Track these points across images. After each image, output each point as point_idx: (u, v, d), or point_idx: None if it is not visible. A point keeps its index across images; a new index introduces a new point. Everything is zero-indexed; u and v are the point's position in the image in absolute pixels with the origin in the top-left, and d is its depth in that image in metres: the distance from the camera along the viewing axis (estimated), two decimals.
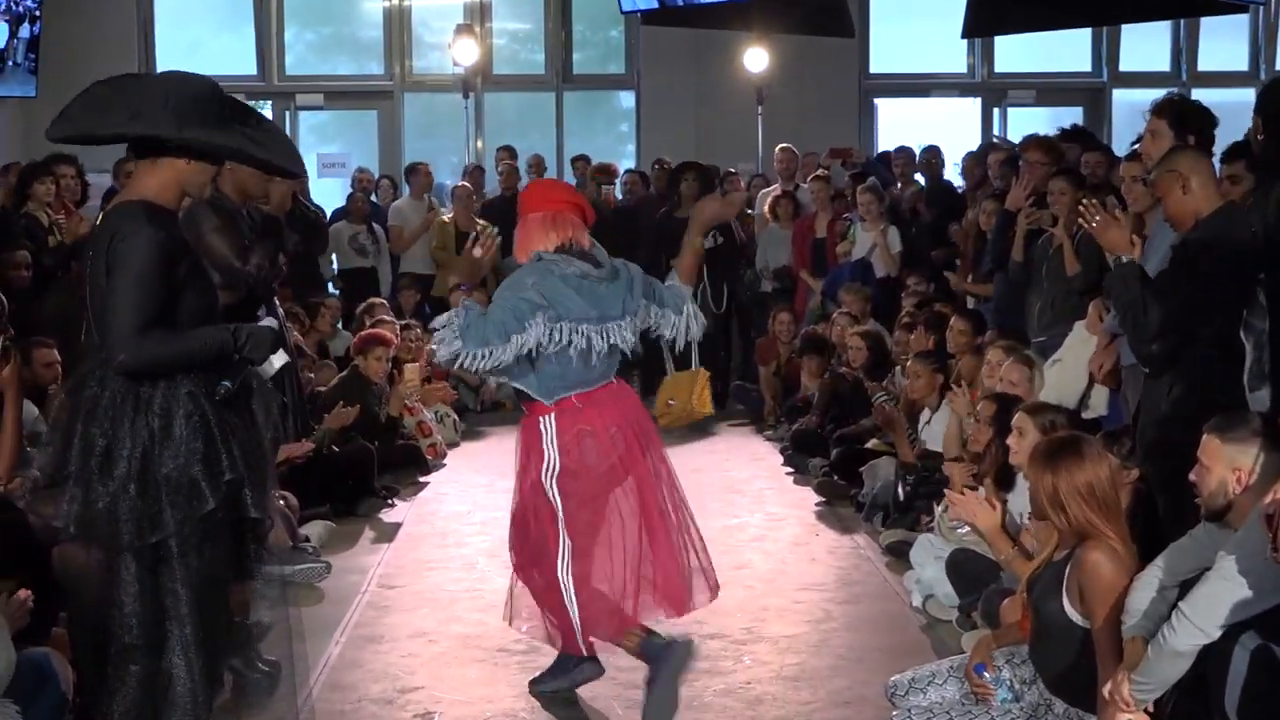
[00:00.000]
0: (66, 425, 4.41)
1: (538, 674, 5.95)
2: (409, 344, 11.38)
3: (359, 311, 11.99)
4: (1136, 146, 7.36)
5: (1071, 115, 15.91)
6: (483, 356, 5.39)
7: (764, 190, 14.21)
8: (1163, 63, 17.59)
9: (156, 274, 4.26)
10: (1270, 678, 4.23)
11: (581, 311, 5.49)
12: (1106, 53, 17.46)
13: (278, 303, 6.84)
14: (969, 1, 12.99)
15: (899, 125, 16.82)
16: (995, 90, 17.45)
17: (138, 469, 4.26)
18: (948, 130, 15.72)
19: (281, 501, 7.79)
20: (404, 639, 6.72)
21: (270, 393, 4.65)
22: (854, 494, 9.09)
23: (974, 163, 12.19)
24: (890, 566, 7.77)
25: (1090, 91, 17.62)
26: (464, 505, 9.53)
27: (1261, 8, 15.70)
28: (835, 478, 9.44)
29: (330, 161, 16.54)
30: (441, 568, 7.91)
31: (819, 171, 13.69)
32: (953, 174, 13.41)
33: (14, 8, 14.80)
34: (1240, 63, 17.47)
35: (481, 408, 12.59)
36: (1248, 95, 7.41)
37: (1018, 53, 17.10)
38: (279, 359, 4.74)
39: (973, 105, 17.59)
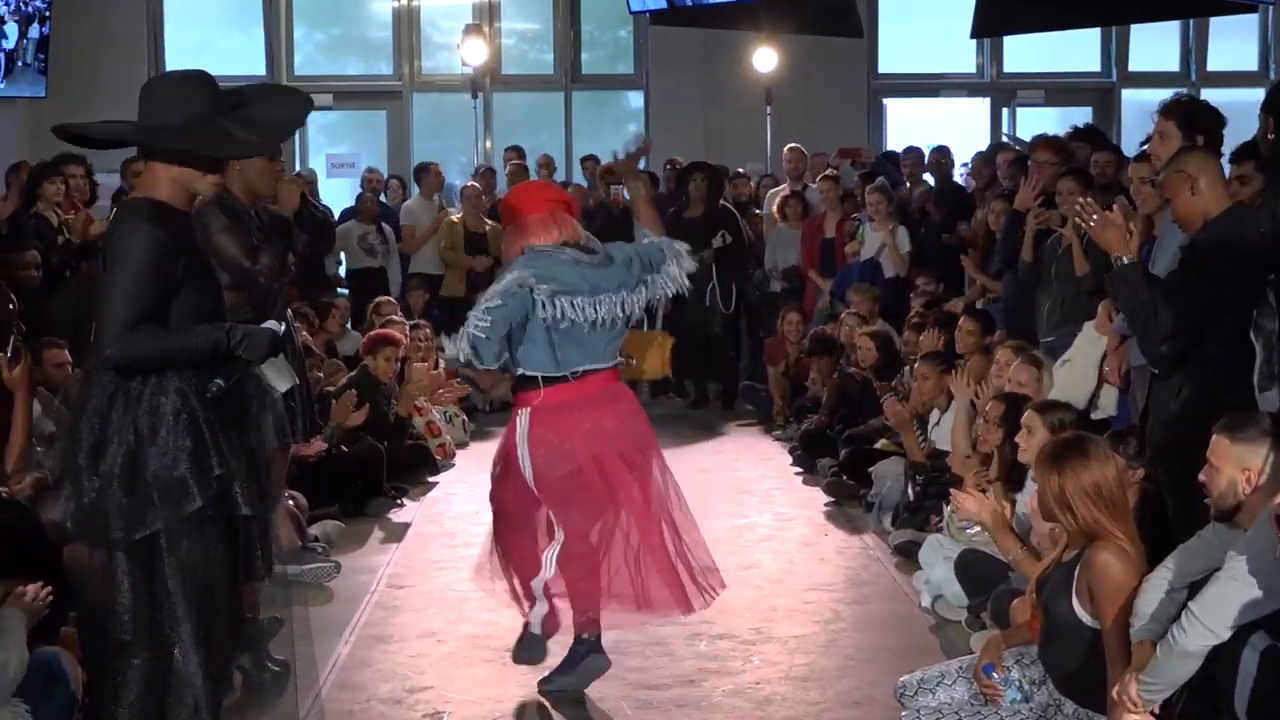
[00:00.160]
0: (70, 424, 4.44)
1: (547, 674, 5.96)
2: (418, 344, 11.39)
3: (369, 311, 12.01)
4: (1145, 147, 7.35)
5: (1081, 115, 15.85)
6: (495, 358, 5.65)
7: (773, 190, 14.20)
8: (1172, 63, 17.55)
9: (150, 270, 4.25)
10: (1279, 678, 4.22)
11: (574, 284, 5.67)
12: (1116, 53, 17.42)
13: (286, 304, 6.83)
14: (978, 1, 12.99)
15: (908, 125, 16.78)
16: (1004, 90, 17.42)
17: (125, 466, 4.25)
18: (956, 130, 15.70)
19: (291, 501, 7.82)
20: (413, 639, 6.72)
21: (267, 394, 4.63)
22: (863, 494, 9.10)
23: (983, 163, 12.19)
24: (899, 567, 7.77)
25: (1099, 91, 17.59)
26: (473, 505, 9.50)
27: (1271, 7, 15.63)
28: (844, 478, 9.45)
29: (339, 162, 16.55)
30: (450, 568, 7.92)
31: (828, 171, 13.67)
32: (958, 174, 13.42)
33: (24, 8, 14.81)
34: (1250, 63, 17.42)
35: (490, 408, 12.59)
36: (1257, 95, 7.37)
37: (1027, 53, 17.07)
38: (285, 380, 4.74)
39: (982, 105, 17.55)
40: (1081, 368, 7.36)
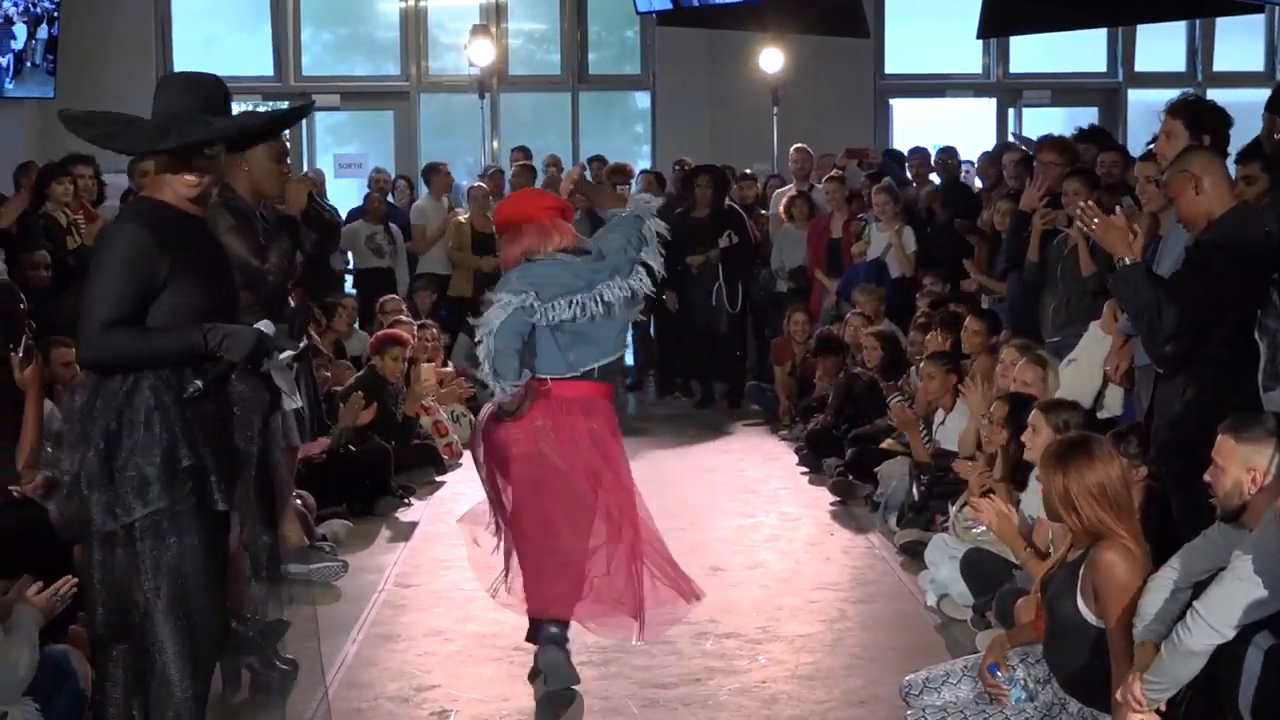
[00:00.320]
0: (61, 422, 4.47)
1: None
2: (425, 344, 11.41)
3: (376, 311, 12.05)
4: (1151, 147, 7.35)
5: (1087, 115, 15.86)
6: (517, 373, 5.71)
7: (779, 190, 14.21)
8: (1178, 63, 17.53)
9: (127, 271, 4.23)
10: None
11: (569, 284, 5.74)
12: (1122, 53, 17.40)
13: (291, 301, 6.83)
14: (984, 2, 12.97)
15: (914, 125, 16.80)
16: (1010, 90, 17.40)
17: (98, 462, 4.24)
18: (963, 131, 15.70)
19: (299, 501, 7.83)
20: (420, 637, 6.74)
21: (260, 395, 4.51)
22: (869, 494, 9.11)
23: (989, 163, 12.19)
24: (905, 566, 7.78)
25: (1105, 92, 17.57)
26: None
27: (1277, 8, 15.64)
28: (850, 477, 9.45)
29: (347, 162, 16.57)
30: (458, 567, 7.90)
31: (834, 172, 13.68)
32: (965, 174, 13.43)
33: (32, 9, 14.84)
34: (1256, 63, 17.41)
35: None
36: (1263, 95, 7.38)
37: (1033, 53, 17.05)
38: (292, 400, 4.74)
39: (988, 105, 17.54)
40: (1087, 367, 7.36)
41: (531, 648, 6.01)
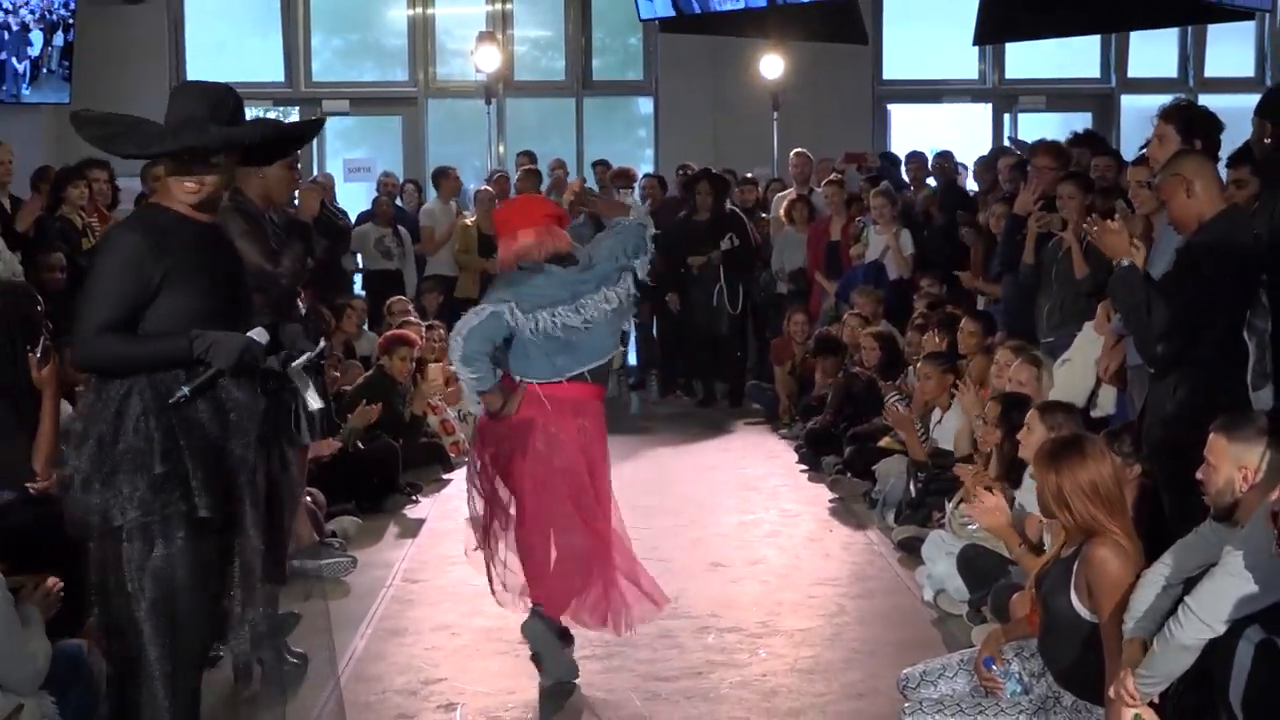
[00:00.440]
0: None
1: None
2: (433, 344, 11.41)
3: (384, 310, 12.05)
4: (1144, 151, 7.35)
5: (1081, 120, 15.88)
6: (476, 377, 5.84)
7: (779, 194, 14.21)
8: (1170, 69, 17.52)
9: (120, 276, 4.21)
10: (1274, 671, 4.22)
11: (554, 296, 5.79)
12: (1115, 59, 17.39)
13: (301, 303, 6.82)
14: (980, 8, 12.98)
15: (911, 130, 16.78)
16: (1006, 96, 17.39)
17: (91, 465, 4.23)
18: (959, 135, 15.69)
19: (309, 498, 7.83)
20: (428, 632, 6.74)
21: (256, 402, 4.42)
22: (867, 491, 9.11)
23: (984, 167, 12.18)
24: (902, 562, 7.78)
25: (1099, 97, 17.56)
26: None
27: (1268, 15, 15.62)
28: (849, 475, 9.46)
29: (356, 166, 16.55)
30: (464, 563, 7.87)
31: (833, 176, 13.69)
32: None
33: (48, 16, 14.85)
34: (1246, 69, 17.39)
35: None
36: (1253, 101, 7.38)
37: (1028, 59, 17.05)
38: (315, 400, 4.73)
39: (984, 111, 17.53)
40: (1081, 367, 7.36)
41: None
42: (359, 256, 13.82)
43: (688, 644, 6.47)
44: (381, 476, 9.32)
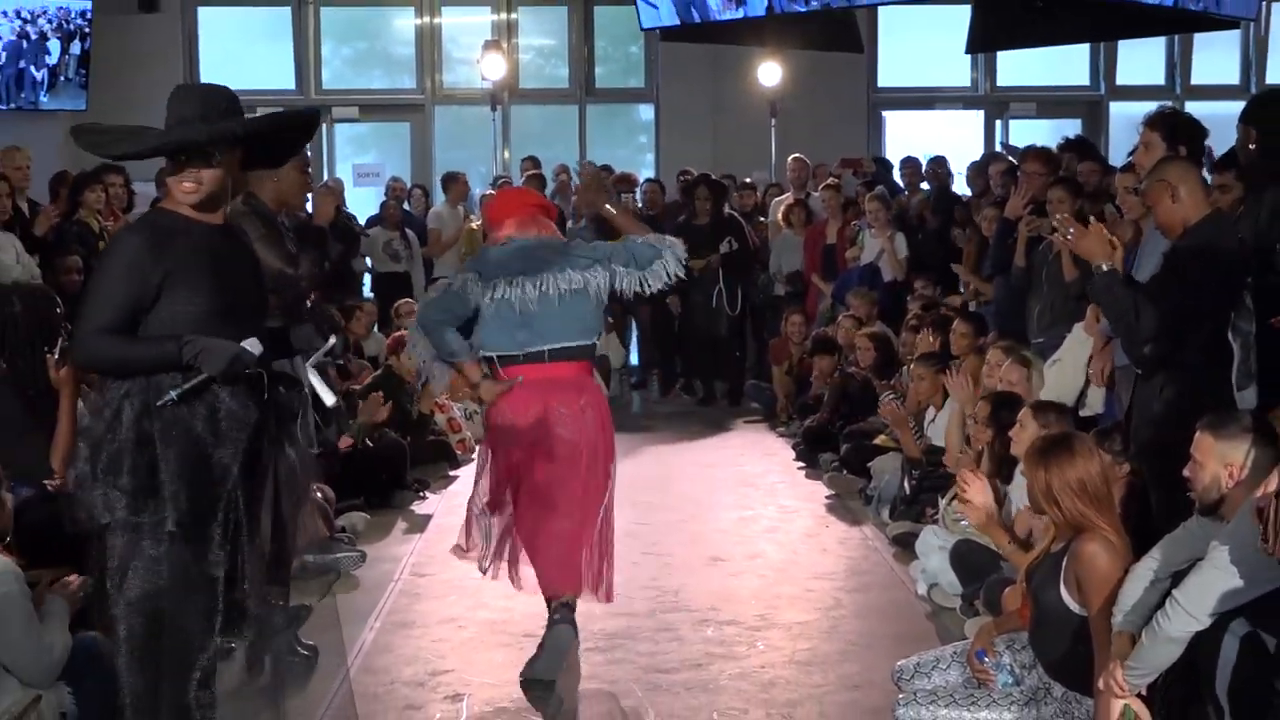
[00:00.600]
0: None
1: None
2: None
3: (392, 312, 12.06)
4: (1131, 157, 7.35)
5: (1070, 127, 15.88)
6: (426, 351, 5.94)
7: (777, 198, 14.21)
8: (1157, 76, 17.53)
9: (118, 278, 4.17)
10: (1258, 663, 4.22)
11: (518, 268, 5.79)
12: (1104, 67, 17.40)
13: (309, 305, 6.80)
14: (972, 18, 12.97)
15: (906, 136, 16.79)
16: (998, 103, 17.41)
17: (87, 465, 4.20)
18: (952, 141, 15.68)
19: (319, 494, 7.82)
20: (435, 624, 6.74)
21: (249, 412, 4.28)
22: (862, 488, 9.10)
23: (976, 172, 12.18)
24: (897, 557, 7.77)
25: (1088, 104, 17.58)
26: None
27: (1251, 24, 15.62)
28: (845, 472, 9.46)
29: (365, 171, 16.57)
30: (469, 557, 7.92)
31: (830, 181, 13.69)
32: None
33: (65, 26, 14.87)
34: (1232, 76, 17.40)
35: None
36: (1239, 107, 7.37)
37: (1019, 67, 17.06)
38: (329, 395, 4.70)
39: (976, 117, 17.55)
40: (1071, 367, 7.36)
41: (542, 633, 6.00)
42: (368, 259, 13.83)
43: (688, 636, 6.46)
44: (390, 473, 9.32)
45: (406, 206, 14.70)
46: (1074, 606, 4.65)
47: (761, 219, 14.20)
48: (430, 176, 16.20)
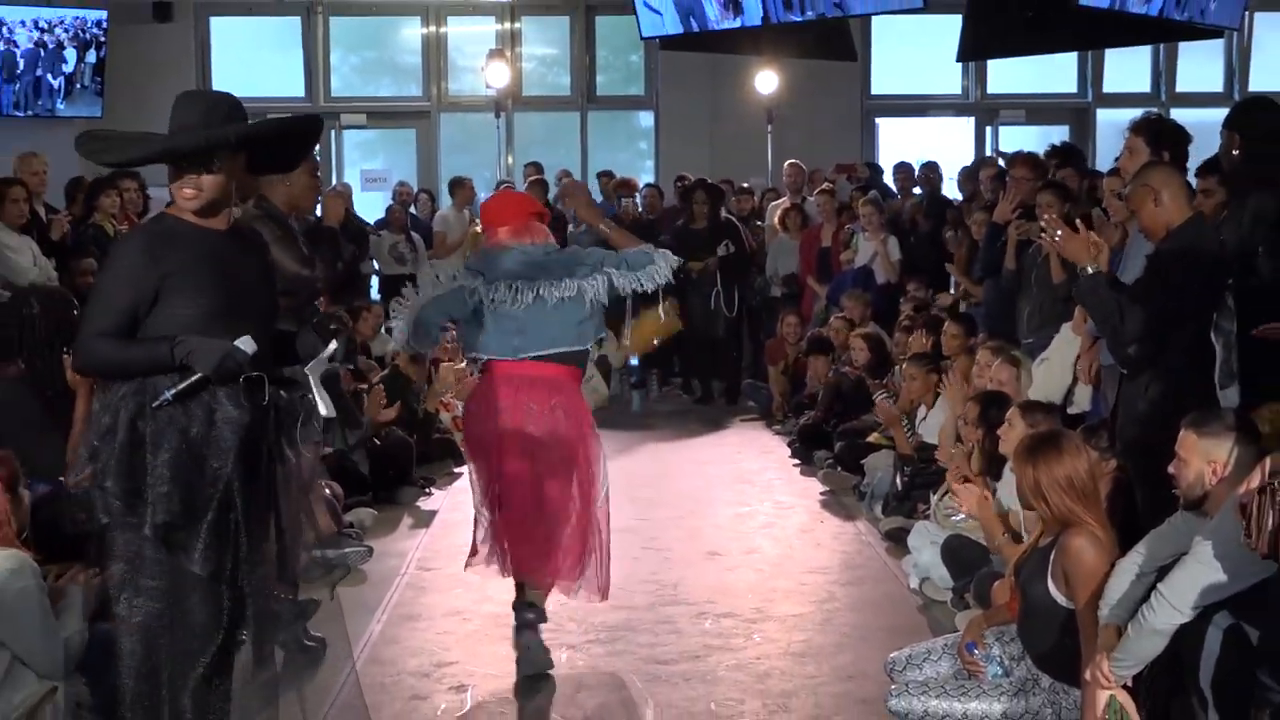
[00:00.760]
0: None
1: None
2: (445, 345, 11.38)
3: None
4: (1117, 163, 7.35)
5: (1059, 133, 15.84)
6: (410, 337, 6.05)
7: (774, 203, 14.20)
8: (1143, 84, 17.53)
9: (117, 283, 4.13)
10: (1241, 654, 4.23)
11: (515, 272, 5.81)
12: (1091, 75, 17.39)
13: (319, 305, 6.78)
14: (964, 27, 12.96)
15: (898, 142, 16.79)
16: (988, 110, 17.41)
17: (85, 462, 4.18)
18: (943, 147, 15.68)
19: (327, 490, 7.82)
20: (440, 617, 6.74)
21: (243, 418, 4.18)
22: (856, 484, 9.10)
23: (966, 178, 12.18)
24: (890, 551, 7.77)
25: (1076, 111, 17.56)
26: None
27: (1235, 33, 15.61)
28: (839, 469, 9.46)
29: (372, 176, 16.60)
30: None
31: (824, 185, 13.68)
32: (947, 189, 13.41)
33: (81, 34, 14.88)
34: (1215, 84, 17.40)
35: None
36: (1223, 114, 7.37)
37: (1009, 75, 17.06)
38: (326, 408, 4.65)
39: (967, 124, 17.55)
40: (1058, 366, 7.35)
41: (544, 626, 6.00)
42: (375, 262, 13.83)
43: (686, 629, 6.46)
44: (396, 470, 9.33)
45: (413, 211, 14.70)
46: (1061, 600, 4.65)
47: (758, 223, 14.20)
48: (436, 181, 16.20)
